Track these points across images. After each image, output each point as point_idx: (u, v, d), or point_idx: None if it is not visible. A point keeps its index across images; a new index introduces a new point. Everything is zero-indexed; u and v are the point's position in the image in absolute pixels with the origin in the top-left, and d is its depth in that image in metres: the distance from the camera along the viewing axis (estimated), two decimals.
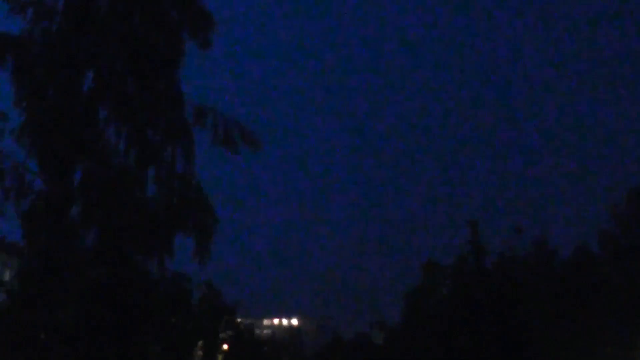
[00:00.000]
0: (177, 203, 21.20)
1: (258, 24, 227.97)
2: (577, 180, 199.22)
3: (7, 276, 51.74)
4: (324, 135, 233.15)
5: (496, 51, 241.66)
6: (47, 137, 20.32)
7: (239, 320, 53.47)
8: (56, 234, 20.57)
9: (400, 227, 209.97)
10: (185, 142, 21.45)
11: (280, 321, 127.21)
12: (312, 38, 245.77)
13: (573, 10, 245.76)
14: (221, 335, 47.96)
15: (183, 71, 21.46)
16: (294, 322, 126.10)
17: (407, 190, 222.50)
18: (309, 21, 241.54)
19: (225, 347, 50.76)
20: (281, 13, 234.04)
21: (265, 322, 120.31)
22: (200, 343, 43.74)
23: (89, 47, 20.86)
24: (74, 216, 21.09)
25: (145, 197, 21.18)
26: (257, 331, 76.63)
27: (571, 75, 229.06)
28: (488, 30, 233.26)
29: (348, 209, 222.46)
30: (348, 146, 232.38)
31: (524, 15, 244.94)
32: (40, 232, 20.51)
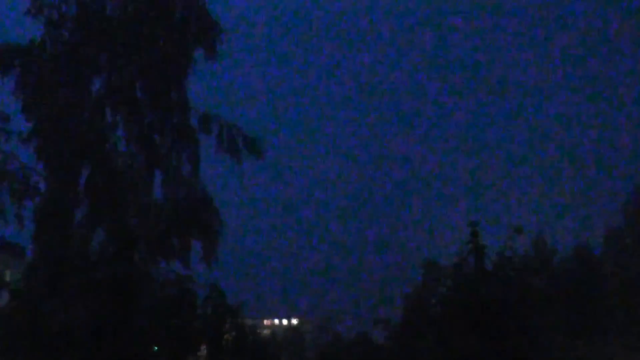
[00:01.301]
0: (183, 207, 21.42)
1: (265, 32, 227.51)
2: (578, 179, 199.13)
3: (7, 276, 51.71)
4: (324, 136, 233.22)
5: (496, 49, 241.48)
6: (54, 140, 20.51)
7: (243, 321, 53.32)
8: (62, 235, 20.74)
9: (401, 227, 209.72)
10: (191, 147, 21.69)
11: (280, 321, 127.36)
12: (318, 46, 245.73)
13: (575, 4, 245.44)
14: (225, 337, 47.82)
15: (191, 78, 21.76)
16: (294, 322, 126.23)
17: (407, 190, 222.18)
18: (315, 31, 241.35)
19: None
20: (289, 21, 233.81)
21: (265, 322, 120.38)
22: (203, 346, 43.60)
23: (99, 53, 21.06)
24: (80, 218, 21.29)
25: (151, 201, 21.39)
26: (257, 331, 76.65)
27: (571, 72, 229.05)
28: (488, 27, 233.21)
29: (348, 209, 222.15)
30: (347, 147, 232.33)
31: (523, 13, 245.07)
32: (46, 234, 20.67)
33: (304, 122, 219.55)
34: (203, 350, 45.22)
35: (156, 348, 23.99)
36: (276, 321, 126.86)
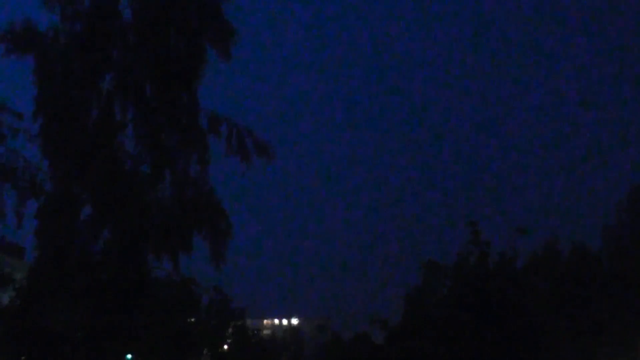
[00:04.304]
0: (190, 207, 21.39)
1: (277, 34, 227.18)
2: (576, 179, 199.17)
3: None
4: (324, 137, 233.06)
5: (494, 48, 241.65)
6: (62, 138, 20.50)
7: (246, 324, 53.37)
8: (67, 234, 20.76)
9: (401, 227, 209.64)
10: (200, 148, 21.65)
11: (280, 321, 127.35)
12: (330, 47, 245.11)
13: (571, 5, 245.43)
14: (229, 340, 47.88)
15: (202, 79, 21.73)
16: (294, 322, 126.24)
17: (408, 190, 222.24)
18: (328, 33, 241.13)
19: (226, 347, 50.79)
20: (302, 24, 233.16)
21: (265, 322, 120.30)
22: (205, 350, 43.67)
23: (111, 49, 21.05)
24: (85, 217, 21.29)
25: (159, 201, 21.38)
26: (256, 332, 76.89)
27: (570, 72, 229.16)
28: (487, 26, 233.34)
29: (348, 209, 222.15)
30: (348, 148, 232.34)
31: (520, 12, 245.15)
32: (51, 232, 20.67)
33: (304, 123, 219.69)
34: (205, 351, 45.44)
35: (159, 349, 24.04)
36: (276, 321, 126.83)
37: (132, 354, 22.28)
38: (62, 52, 20.93)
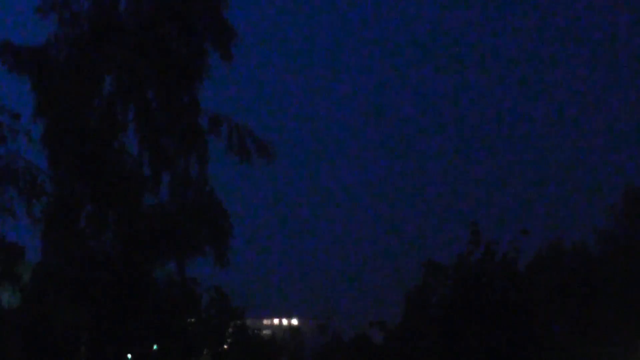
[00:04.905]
0: (191, 209, 21.40)
1: (279, 36, 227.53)
2: (574, 179, 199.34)
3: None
4: (324, 137, 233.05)
5: (494, 47, 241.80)
6: (64, 141, 20.53)
7: (246, 324, 53.26)
8: (69, 236, 20.79)
9: (401, 227, 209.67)
10: (200, 148, 21.64)
11: (280, 321, 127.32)
12: (330, 47, 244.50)
13: (569, 5, 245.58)
14: (229, 340, 47.81)
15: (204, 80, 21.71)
16: (294, 322, 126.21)
17: (407, 189, 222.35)
18: (330, 35, 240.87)
19: (226, 347, 50.70)
20: (303, 25, 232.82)
21: (265, 322, 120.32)
22: (205, 350, 43.63)
23: (111, 53, 21.07)
24: (87, 219, 21.32)
25: (160, 202, 21.40)
26: (256, 331, 76.79)
27: (568, 72, 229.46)
28: (486, 27, 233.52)
29: (348, 209, 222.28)
30: (348, 148, 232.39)
31: (520, 12, 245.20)
32: (54, 234, 20.71)
33: (304, 123, 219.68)
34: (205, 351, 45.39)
35: (159, 349, 24.06)
36: (276, 321, 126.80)
37: (132, 354, 22.28)
38: (62, 55, 20.95)
